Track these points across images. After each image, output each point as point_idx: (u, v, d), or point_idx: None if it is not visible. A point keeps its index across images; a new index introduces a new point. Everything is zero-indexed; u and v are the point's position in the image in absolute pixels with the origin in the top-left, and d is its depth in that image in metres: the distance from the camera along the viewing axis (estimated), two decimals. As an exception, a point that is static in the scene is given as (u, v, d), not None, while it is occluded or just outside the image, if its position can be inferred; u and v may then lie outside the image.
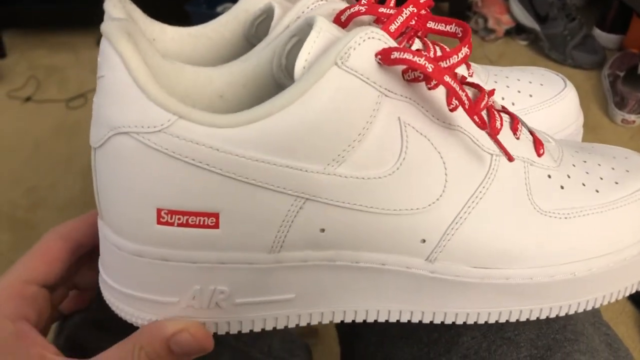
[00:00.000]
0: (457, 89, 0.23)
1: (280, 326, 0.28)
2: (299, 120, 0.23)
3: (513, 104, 0.40)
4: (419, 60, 0.22)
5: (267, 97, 0.28)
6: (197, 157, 0.23)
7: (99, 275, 0.28)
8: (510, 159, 0.26)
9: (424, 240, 0.27)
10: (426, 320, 0.29)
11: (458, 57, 0.24)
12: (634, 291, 0.30)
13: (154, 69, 0.26)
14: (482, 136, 0.27)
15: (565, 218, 0.28)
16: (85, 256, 0.31)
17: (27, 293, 0.28)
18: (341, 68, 0.23)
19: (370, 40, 0.23)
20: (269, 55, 0.28)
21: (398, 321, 0.29)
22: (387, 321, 0.29)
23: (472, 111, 0.24)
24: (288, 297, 0.27)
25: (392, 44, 0.24)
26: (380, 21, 0.28)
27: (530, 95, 0.40)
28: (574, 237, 0.28)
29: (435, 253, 0.27)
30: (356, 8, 0.27)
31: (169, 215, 0.24)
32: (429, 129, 0.25)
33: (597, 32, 1.40)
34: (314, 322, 0.28)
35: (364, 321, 0.29)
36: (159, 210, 0.24)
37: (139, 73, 0.22)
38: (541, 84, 0.41)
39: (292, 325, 0.28)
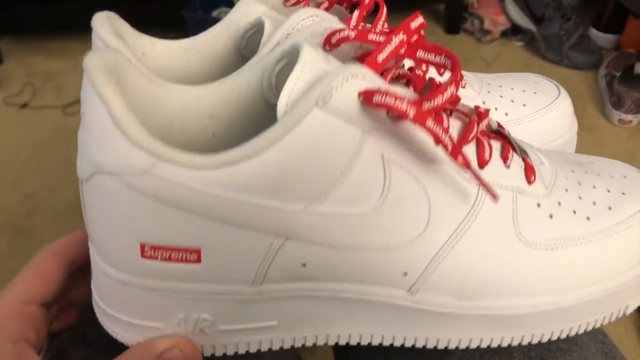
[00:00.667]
0: (440, 132, 0.23)
1: (264, 349, 0.28)
2: (279, 163, 0.23)
3: (506, 114, 0.39)
4: (401, 105, 0.22)
5: (258, 116, 0.29)
6: (179, 198, 0.23)
7: (92, 296, 0.28)
8: (494, 200, 0.26)
9: (405, 274, 0.27)
10: (408, 345, 0.29)
11: (443, 98, 0.23)
12: (621, 316, 0.30)
13: (141, 93, 0.26)
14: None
15: (552, 249, 0.28)
16: (79, 271, 0.32)
17: (26, 313, 0.28)
18: (323, 109, 0.23)
19: (354, 79, 0.23)
20: (259, 73, 0.28)
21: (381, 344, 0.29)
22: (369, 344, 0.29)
23: (455, 152, 0.24)
24: (271, 324, 0.28)
25: (377, 81, 0.24)
26: (363, 59, 0.27)
27: (524, 105, 0.40)
28: (559, 268, 0.28)
29: (417, 285, 0.27)
30: (346, 33, 0.26)
31: (152, 251, 0.24)
32: (413, 165, 0.25)
33: (593, 32, 1.40)
34: (298, 345, 0.29)
35: (347, 343, 0.29)
36: (142, 245, 0.24)
37: (119, 115, 0.22)
38: (535, 92, 0.41)
39: (276, 348, 0.28)
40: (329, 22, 0.28)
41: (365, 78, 0.23)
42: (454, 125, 0.27)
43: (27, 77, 1.38)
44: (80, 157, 0.24)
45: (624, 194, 0.31)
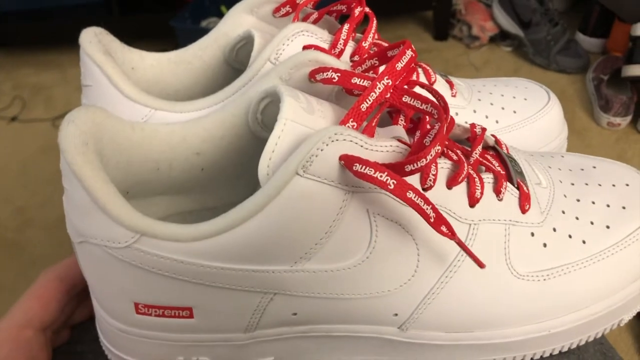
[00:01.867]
0: (422, 204, 0.22)
1: None
2: (262, 231, 0.23)
3: (497, 121, 0.39)
4: (380, 177, 0.22)
5: (245, 148, 0.28)
6: (164, 268, 0.23)
7: (98, 333, 0.29)
8: (481, 266, 0.26)
9: (396, 314, 0.27)
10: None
11: (427, 160, 0.22)
12: (614, 328, 0.31)
13: (123, 143, 0.26)
14: (459, 207, 0.26)
15: (544, 280, 0.28)
16: (80, 294, 0.32)
17: (22, 338, 0.28)
18: (304, 177, 0.22)
19: (335, 142, 0.22)
20: (244, 108, 0.28)
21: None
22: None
23: (437, 224, 0.23)
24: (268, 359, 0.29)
25: (359, 140, 0.23)
26: (350, 90, 0.27)
27: (514, 112, 0.39)
28: (552, 296, 0.28)
29: (407, 324, 0.27)
30: (329, 74, 0.26)
31: (146, 308, 0.25)
32: (399, 215, 0.25)
33: (580, 37, 1.37)
34: None
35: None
36: (136, 304, 0.25)
37: (98, 194, 0.22)
38: (525, 99, 0.40)
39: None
40: (314, 52, 0.27)
41: (346, 139, 0.22)
42: (443, 167, 0.26)
43: (16, 91, 1.36)
44: (68, 224, 0.25)
45: (624, 208, 0.30)
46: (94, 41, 0.31)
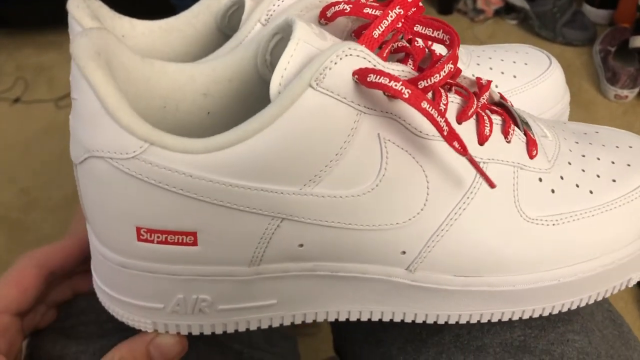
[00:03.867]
0: (436, 115, 0.22)
1: (264, 326, 0.28)
2: (272, 146, 0.22)
3: (496, 86, 0.39)
4: (395, 85, 0.21)
5: (253, 93, 0.28)
6: (171, 182, 0.23)
7: (93, 278, 0.29)
8: (491, 185, 0.25)
9: (404, 252, 0.27)
10: (408, 320, 0.29)
11: (440, 76, 0.22)
12: (623, 288, 0.30)
13: (132, 73, 0.26)
14: (469, 144, 0.26)
15: (553, 225, 0.28)
16: (58, 279, 0.32)
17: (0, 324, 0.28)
18: (317, 90, 0.22)
19: (348, 57, 0.22)
20: (254, 50, 0.27)
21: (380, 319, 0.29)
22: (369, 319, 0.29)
23: (450, 137, 0.23)
24: (270, 302, 0.28)
25: (372, 59, 0.23)
26: (360, 33, 0.27)
27: (514, 76, 0.39)
28: (561, 243, 0.28)
29: (416, 264, 0.27)
30: (341, 6, 0.26)
31: (148, 234, 0.24)
32: (410, 143, 0.25)
33: (587, 8, 1.37)
34: (297, 322, 0.29)
35: (347, 319, 0.29)
36: (138, 229, 0.24)
37: (108, 100, 0.22)
38: (525, 63, 0.40)
39: (275, 325, 0.29)
40: None
41: (359, 56, 0.22)
42: (453, 101, 0.26)
43: (19, 72, 1.36)
44: (73, 141, 0.24)
45: (629, 165, 0.30)
46: (82, 6, 0.31)
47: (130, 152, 0.22)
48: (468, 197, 0.26)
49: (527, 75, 0.39)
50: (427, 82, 0.23)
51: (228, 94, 0.28)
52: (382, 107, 0.24)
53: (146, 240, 0.24)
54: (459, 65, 0.38)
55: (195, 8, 0.36)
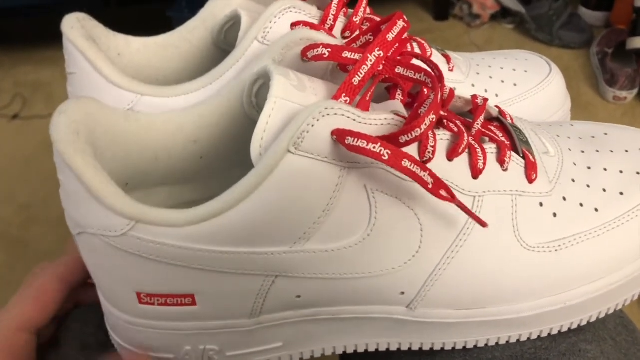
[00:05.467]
0: (418, 171, 0.22)
1: None
2: (256, 213, 0.22)
3: (497, 95, 0.38)
4: (374, 148, 0.21)
5: (242, 134, 0.28)
6: (162, 255, 0.23)
7: (107, 326, 0.29)
8: (483, 225, 0.25)
9: (403, 293, 0.26)
10: (415, 349, 0.29)
11: (421, 130, 0.22)
12: (628, 303, 0.29)
13: (118, 135, 0.26)
14: (461, 179, 0.26)
15: (556, 251, 0.27)
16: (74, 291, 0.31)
17: (18, 343, 0.28)
18: (296, 154, 0.22)
19: (325, 117, 0.22)
20: (238, 93, 0.27)
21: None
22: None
23: (435, 189, 0.23)
24: (276, 345, 0.28)
25: (352, 114, 0.22)
26: (344, 67, 0.26)
27: (515, 85, 0.38)
28: (565, 268, 0.27)
29: (416, 302, 0.27)
30: (320, 50, 0.25)
31: (148, 297, 0.25)
32: (399, 189, 0.24)
33: (583, 11, 1.33)
34: (306, 358, 0.29)
35: (355, 351, 0.30)
36: (138, 294, 0.25)
37: (91, 183, 0.22)
38: (525, 71, 0.39)
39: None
40: (305, 31, 0.27)
41: (337, 114, 0.22)
42: (443, 138, 0.26)
43: (17, 88, 1.36)
44: (67, 216, 0.25)
45: (638, 173, 0.29)
46: (77, 27, 0.31)
47: (119, 230, 0.23)
48: (464, 234, 0.26)
49: (527, 83, 0.39)
50: (409, 137, 0.22)
51: (218, 138, 0.28)
52: (366, 159, 0.23)
53: (147, 303, 0.25)
54: (459, 75, 0.37)
55: (190, 24, 0.36)
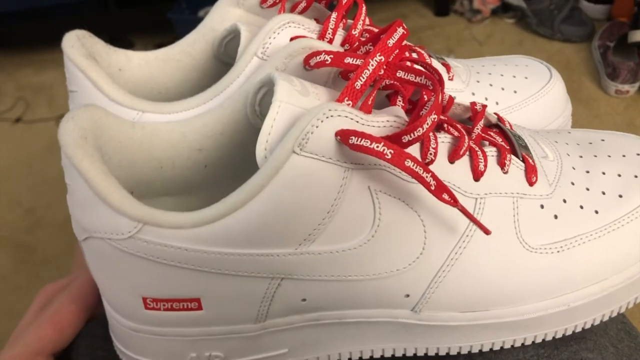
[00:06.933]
0: (421, 172, 0.22)
1: None
2: (262, 214, 0.23)
3: (497, 103, 0.38)
4: (377, 147, 0.21)
5: (246, 142, 0.28)
6: (168, 257, 0.23)
7: (112, 337, 0.29)
8: (486, 232, 0.25)
9: (407, 295, 0.27)
10: (420, 354, 0.29)
11: (423, 129, 0.22)
12: (631, 306, 0.30)
13: (123, 142, 0.26)
14: (463, 181, 0.26)
15: (558, 252, 0.27)
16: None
17: None
18: (300, 155, 0.22)
19: (329, 119, 0.22)
20: (242, 101, 0.28)
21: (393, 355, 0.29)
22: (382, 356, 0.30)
23: (438, 191, 0.23)
24: (281, 352, 0.28)
25: (354, 115, 0.23)
26: (346, 75, 0.27)
27: (515, 92, 0.38)
28: (568, 269, 0.27)
29: (420, 305, 0.27)
30: (322, 57, 0.26)
31: (154, 303, 0.25)
32: (402, 191, 0.24)
33: (584, 4, 1.35)
34: None
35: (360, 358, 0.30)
36: (144, 299, 0.25)
37: (98, 186, 0.22)
38: (526, 77, 0.39)
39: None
40: (306, 40, 0.27)
41: (340, 115, 0.22)
42: (444, 141, 0.26)
43: (19, 92, 1.37)
44: (73, 221, 0.25)
45: (636, 176, 0.29)
46: (77, 45, 0.31)
47: (126, 233, 0.23)
48: (467, 236, 0.26)
49: (527, 89, 0.39)
50: (411, 136, 0.22)
51: (222, 146, 0.29)
52: (369, 161, 0.24)
53: (153, 309, 0.25)
54: (459, 83, 0.37)
55: (190, 37, 0.36)
